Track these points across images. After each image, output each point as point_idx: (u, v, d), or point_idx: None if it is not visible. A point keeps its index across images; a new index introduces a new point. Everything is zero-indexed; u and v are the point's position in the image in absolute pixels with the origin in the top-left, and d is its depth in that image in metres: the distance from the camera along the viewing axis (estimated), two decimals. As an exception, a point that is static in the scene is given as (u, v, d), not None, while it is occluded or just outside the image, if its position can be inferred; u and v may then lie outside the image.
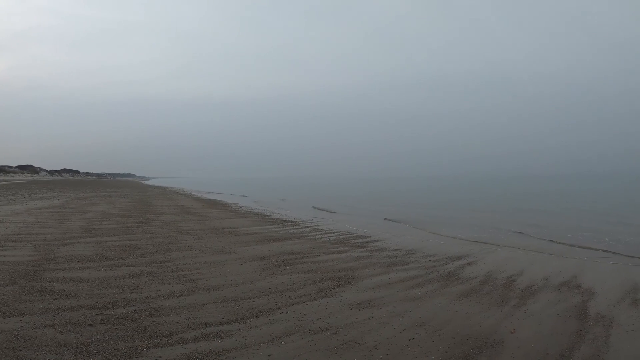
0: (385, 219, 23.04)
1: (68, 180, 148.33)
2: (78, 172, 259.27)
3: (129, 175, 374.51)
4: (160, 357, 4.96)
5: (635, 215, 25.21)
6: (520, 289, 8.44)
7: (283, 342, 5.46)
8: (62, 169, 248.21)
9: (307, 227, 17.97)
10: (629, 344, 5.89)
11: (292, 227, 17.56)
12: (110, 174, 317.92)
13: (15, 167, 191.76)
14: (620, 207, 31.92)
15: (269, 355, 5.09)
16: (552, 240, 15.35)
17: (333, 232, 16.18)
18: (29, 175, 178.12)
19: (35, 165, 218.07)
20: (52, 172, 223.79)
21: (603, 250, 13.22)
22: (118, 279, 8.30)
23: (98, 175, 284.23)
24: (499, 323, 6.48)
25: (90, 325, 5.83)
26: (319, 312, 6.67)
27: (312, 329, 5.97)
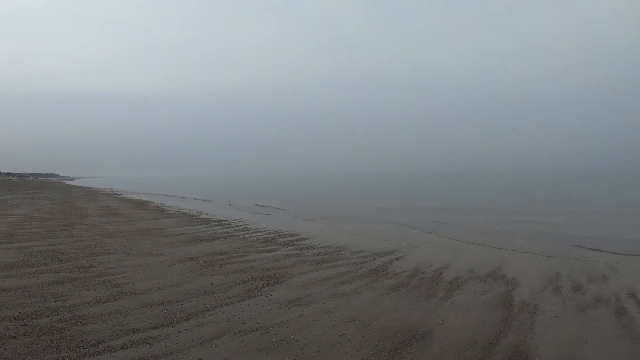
0: (298, 218, 23.08)
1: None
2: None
3: (52, 175, 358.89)
4: (88, 367, 4.73)
5: (550, 209, 26.81)
6: (447, 282, 8.72)
7: (213, 345, 5.35)
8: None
9: (236, 226, 17.77)
10: (554, 328, 6.19)
11: (220, 227, 17.31)
12: (32, 174, 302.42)
13: None
14: (528, 202, 33.89)
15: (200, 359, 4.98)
16: (477, 233, 16.02)
17: (262, 231, 16.08)
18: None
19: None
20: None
21: (524, 242, 13.92)
22: (41, 287, 7.85)
23: (20, 175, 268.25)
24: (427, 315, 6.65)
25: (14, 337, 5.47)
26: (249, 313, 6.60)
27: (242, 329, 5.89)
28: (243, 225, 18.19)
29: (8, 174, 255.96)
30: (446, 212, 24.74)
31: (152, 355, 5.04)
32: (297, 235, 15.13)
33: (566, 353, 5.42)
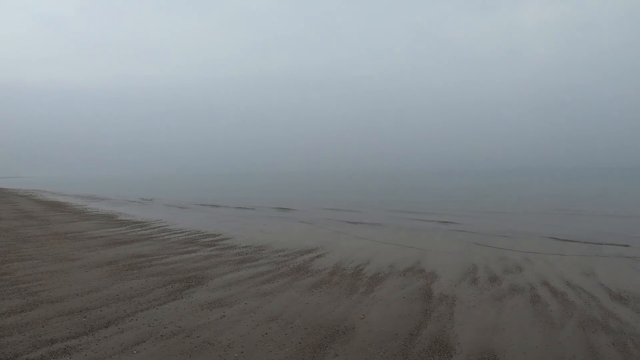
0: (220, 218, 22.97)
1: None
2: None
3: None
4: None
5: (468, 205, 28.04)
6: (368, 277, 9.01)
7: (135, 351, 5.27)
8: None
9: (156, 227, 17.37)
10: (472, 317, 6.59)
11: (140, 229, 16.88)
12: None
13: None
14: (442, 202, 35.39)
15: (121, 367, 4.89)
16: (391, 231, 16.57)
17: (182, 232, 15.84)
18: None
19: None
20: None
21: (441, 239, 14.61)
22: (-49, 300, 7.37)
23: None
24: (349, 310, 6.85)
25: None
26: (170, 316, 6.54)
27: (163, 334, 5.83)
28: (163, 226, 17.81)
29: None
30: (356, 214, 25.03)
31: (72, 365, 4.92)
32: (218, 235, 15.03)
33: (484, 340, 5.74)
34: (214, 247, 12.44)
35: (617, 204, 29.14)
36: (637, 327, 6.24)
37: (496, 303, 7.31)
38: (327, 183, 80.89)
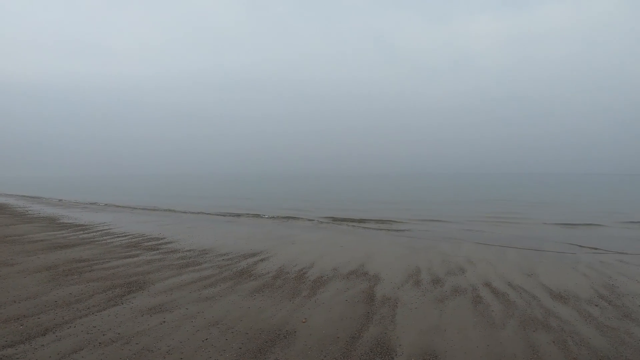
0: (164, 221, 22.75)
1: None
2: None
3: None
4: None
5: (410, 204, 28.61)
6: (311, 281, 9.15)
7: (72, 360, 5.22)
8: None
9: (99, 230, 17.01)
10: (414, 319, 6.79)
11: (82, 232, 16.47)
12: None
13: None
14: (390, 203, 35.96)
15: (58, 377, 4.83)
16: (342, 232, 16.82)
17: (125, 235, 15.59)
18: None
19: None
20: None
21: (389, 240, 14.89)
22: None
23: None
24: (291, 314, 6.92)
25: None
26: (109, 323, 6.47)
27: (102, 341, 5.75)
28: (106, 229, 17.45)
29: None
30: (301, 217, 25.09)
31: (8, 375, 4.84)
32: (162, 239, 14.88)
33: (426, 341, 5.92)
34: (157, 251, 12.31)
35: (558, 210, 30.39)
36: (576, 325, 6.62)
37: (438, 304, 7.54)
38: (266, 186, 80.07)
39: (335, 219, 23.31)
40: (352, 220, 22.75)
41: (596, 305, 7.67)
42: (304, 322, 6.56)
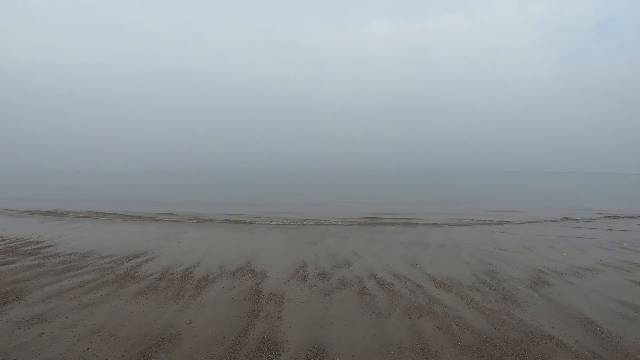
0: (46, 221, 21.84)
1: None
2: None
3: None
4: None
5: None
6: (196, 280, 9.17)
7: (-59, 382, 4.94)
8: None
9: (-30, 235, 15.75)
10: (300, 314, 7.05)
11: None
12: None
13: None
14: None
15: None
16: (231, 229, 17.08)
17: (2, 240, 14.59)
18: None
19: None
20: None
21: (276, 234, 15.36)
22: None
23: None
24: (175, 316, 6.91)
25: None
26: (-16, 339, 6.18)
27: (-25, 360, 5.47)
28: (-22, 234, 16.22)
29: None
30: (187, 213, 25.13)
31: None
32: (42, 242, 14.15)
33: (313, 335, 6.15)
34: (36, 256, 11.76)
35: (445, 206, 32.11)
36: (459, 310, 7.25)
37: (325, 298, 7.88)
38: (162, 184, 77.60)
39: (224, 212, 23.31)
40: (241, 211, 22.97)
41: (478, 291, 8.42)
42: (189, 324, 6.59)
